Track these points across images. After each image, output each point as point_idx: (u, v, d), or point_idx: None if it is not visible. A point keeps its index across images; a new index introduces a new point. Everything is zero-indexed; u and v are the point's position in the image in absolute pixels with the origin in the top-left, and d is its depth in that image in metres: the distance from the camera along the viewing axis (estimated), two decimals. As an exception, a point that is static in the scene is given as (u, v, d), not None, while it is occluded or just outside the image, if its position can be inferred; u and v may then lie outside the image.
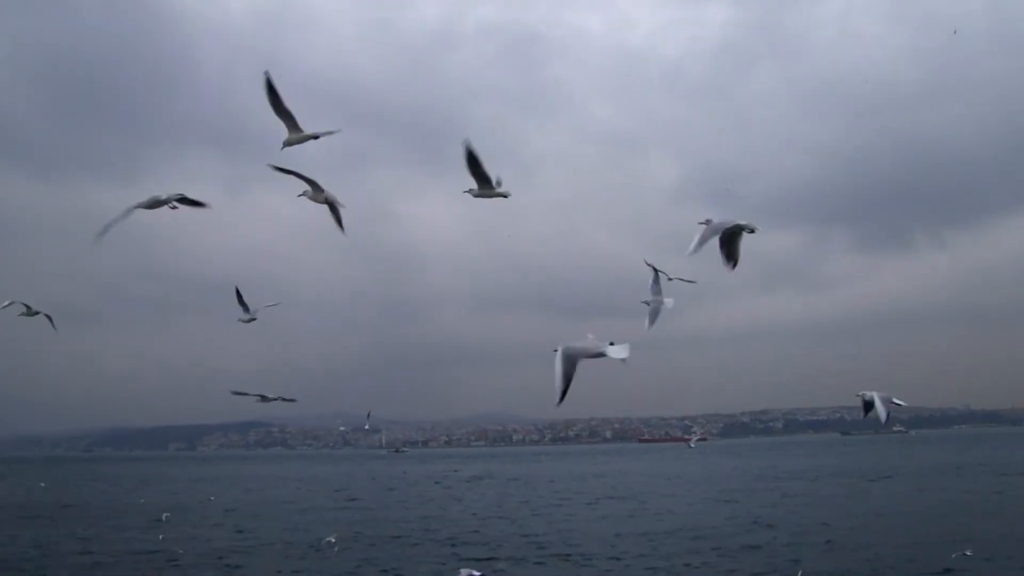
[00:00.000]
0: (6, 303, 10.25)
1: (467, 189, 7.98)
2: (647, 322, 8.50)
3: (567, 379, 5.11)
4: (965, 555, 17.35)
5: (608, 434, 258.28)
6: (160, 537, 25.38)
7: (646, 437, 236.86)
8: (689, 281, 9.18)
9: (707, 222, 6.98)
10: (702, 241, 6.89)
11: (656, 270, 8.98)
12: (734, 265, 7.13)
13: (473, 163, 7.58)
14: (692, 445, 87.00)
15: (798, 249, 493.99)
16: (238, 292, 10.83)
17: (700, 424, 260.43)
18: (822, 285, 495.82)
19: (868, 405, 7.61)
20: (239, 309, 10.86)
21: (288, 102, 7.48)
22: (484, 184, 7.90)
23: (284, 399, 11.88)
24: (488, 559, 21.29)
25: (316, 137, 7.89)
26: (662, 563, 20.43)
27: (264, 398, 11.60)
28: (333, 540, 22.25)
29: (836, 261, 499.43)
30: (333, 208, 8.50)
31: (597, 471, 72.08)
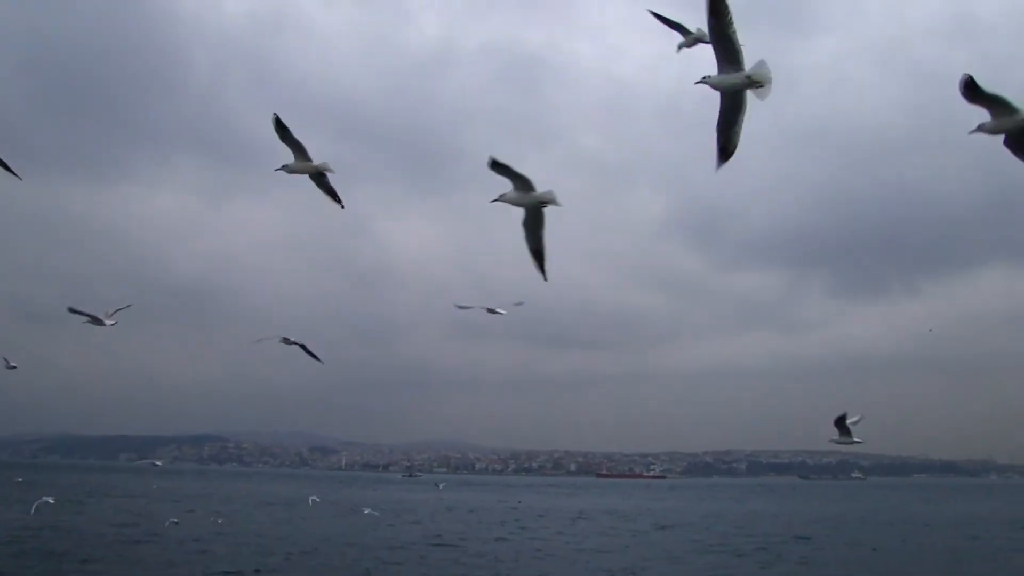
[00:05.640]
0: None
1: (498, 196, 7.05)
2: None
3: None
4: None
5: (572, 467, 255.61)
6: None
7: (604, 472, 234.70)
8: None
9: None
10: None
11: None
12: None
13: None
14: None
15: (777, 290, 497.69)
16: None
17: (663, 462, 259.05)
18: (797, 328, 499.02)
19: None
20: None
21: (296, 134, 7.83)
22: (522, 185, 6.95)
23: (308, 351, 12.94)
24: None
25: (321, 173, 7.94)
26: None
27: (287, 341, 12.66)
28: None
29: (812, 304, 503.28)
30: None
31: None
